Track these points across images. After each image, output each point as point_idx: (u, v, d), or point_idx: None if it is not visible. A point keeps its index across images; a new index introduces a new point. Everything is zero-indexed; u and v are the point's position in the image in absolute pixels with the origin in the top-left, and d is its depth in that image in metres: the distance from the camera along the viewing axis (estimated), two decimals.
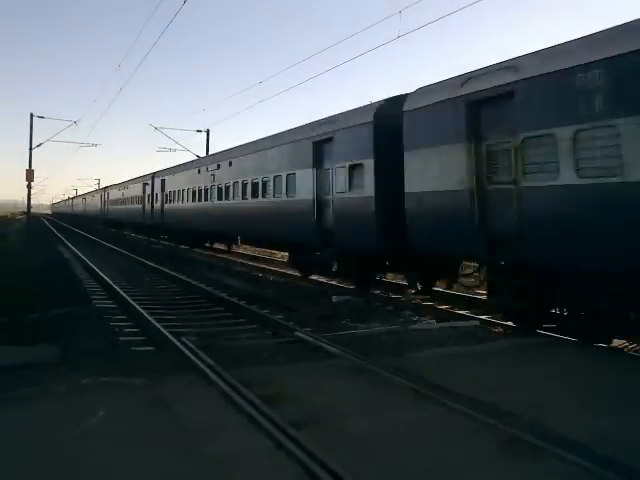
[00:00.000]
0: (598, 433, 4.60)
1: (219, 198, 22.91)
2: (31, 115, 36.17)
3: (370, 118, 12.70)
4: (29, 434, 4.73)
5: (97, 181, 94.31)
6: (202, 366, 6.59)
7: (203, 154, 35.02)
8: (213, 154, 27.25)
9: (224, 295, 13.48)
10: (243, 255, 26.74)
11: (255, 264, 22.58)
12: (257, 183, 18.75)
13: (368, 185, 12.57)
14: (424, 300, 13.06)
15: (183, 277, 16.66)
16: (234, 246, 26.55)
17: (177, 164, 31.61)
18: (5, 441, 4.61)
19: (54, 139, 40.18)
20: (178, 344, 7.82)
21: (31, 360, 7.03)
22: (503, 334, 9.35)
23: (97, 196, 60.46)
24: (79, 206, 77.19)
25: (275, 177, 17.38)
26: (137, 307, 11.39)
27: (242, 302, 12.54)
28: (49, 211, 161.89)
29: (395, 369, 6.42)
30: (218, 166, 23.13)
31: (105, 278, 15.93)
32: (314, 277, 17.08)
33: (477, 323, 10.06)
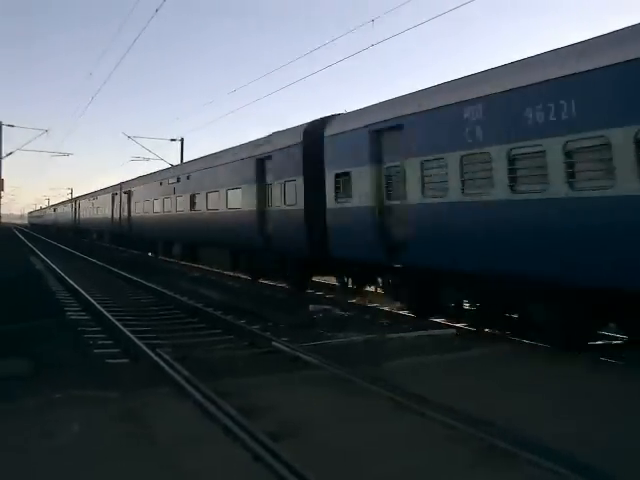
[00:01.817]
0: (565, 438, 4.63)
1: (93, 214, 44.32)
2: (0, 123, 35.55)
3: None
4: (0, 451, 4.61)
5: (70, 190, 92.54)
6: (178, 378, 6.52)
7: (177, 162, 34.96)
8: (94, 191, 46.23)
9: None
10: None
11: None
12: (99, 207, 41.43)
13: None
14: (399, 309, 13.10)
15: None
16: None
17: (86, 193, 52.03)
18: None
19: (25, 148, 39.74)
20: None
21: (2, 374, 6.86)
22: (478, 342, 9.40)
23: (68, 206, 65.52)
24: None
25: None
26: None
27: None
28: (21, 221, 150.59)
29: (373, 379, 6.42)
30: (95, 198, 43.62)
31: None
32: None
33: (454, 331, 10.11)
